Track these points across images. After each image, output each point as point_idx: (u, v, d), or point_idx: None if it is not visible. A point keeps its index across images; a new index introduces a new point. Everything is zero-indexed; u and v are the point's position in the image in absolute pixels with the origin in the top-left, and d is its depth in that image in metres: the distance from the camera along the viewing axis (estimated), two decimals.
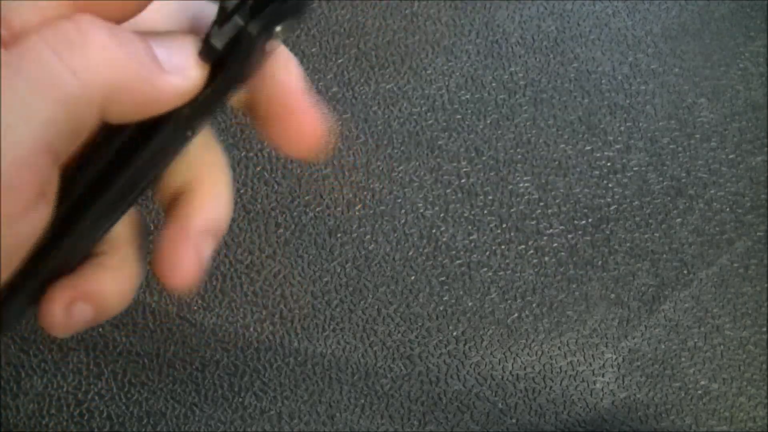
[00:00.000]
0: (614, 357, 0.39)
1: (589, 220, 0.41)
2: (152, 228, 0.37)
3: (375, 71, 0.43)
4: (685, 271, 0.40)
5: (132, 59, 0.18)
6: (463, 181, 0.41)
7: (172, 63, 0.19)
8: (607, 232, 0.41)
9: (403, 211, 0.40)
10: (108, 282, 0.21)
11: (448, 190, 0.41)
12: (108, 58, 0.18)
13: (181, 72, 0.19)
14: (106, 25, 0.18)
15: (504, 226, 0.40)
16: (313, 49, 0.42)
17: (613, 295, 0.40)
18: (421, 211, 0.40)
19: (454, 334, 0.38)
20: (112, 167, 0.19)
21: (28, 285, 0.19)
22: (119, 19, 0.19)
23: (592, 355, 0.39)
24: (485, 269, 0.40)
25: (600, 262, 0.40)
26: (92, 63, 0.17)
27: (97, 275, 0.21)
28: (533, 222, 0.41)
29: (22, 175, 0.17)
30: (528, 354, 0.38)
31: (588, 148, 0.42)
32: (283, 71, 0.22)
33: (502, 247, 0.40)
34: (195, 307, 0.38)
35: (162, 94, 0.19)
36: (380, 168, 0.41)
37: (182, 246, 0.21)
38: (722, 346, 0.39)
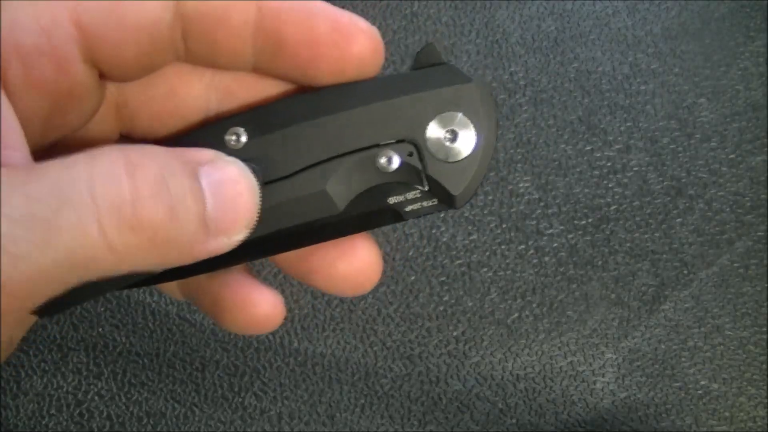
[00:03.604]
0: (614, 357, 0.39)
1: (589, 220, 0.41)
2: None
3: None
4: (685, 271, 0.40)
5: (179, 232, 0.16)
6: None
7: (219, 226, 0.17)
8: (607, 232, 0.41)
9: None
10: None
11: None
12: (152, 236, 0.15)
13: (225, 236, 0.17)
14: (160, 169, 0.16)
15: (504, 226, 0.40)
16: None
17: (613, 295, 0.40)
18: None
19: (454, 334, 0.38)
20: None
21: None
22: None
23: (592, 355, 0.39)
24: (485, 269, 0.40)
25: (600, 262, 0.40)
26: (131, 241, 0.15)
27: None
28: (533, 222, 0.41)
29: None
30: (528, 354, 0.38)
31: (588, 148, 0.42)
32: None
33: (502, 247, 0.40)
34: (195, 307, 0.38)
35: (192, 257, 0.17)
36: None
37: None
38: (722, 346, 0.39)
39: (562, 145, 0.42)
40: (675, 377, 0.39)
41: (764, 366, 0.39)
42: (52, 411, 0.35)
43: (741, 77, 0.45)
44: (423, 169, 0.20)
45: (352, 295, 0.22)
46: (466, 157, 0.20)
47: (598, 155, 0.42)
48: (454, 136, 0.20)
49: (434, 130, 0.20)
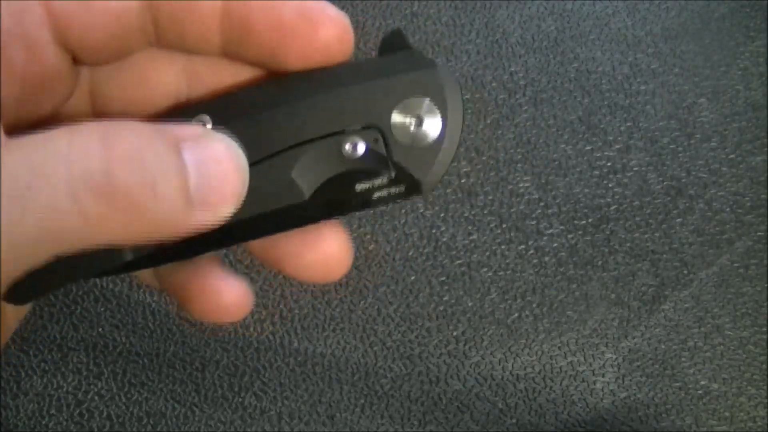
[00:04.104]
0: (614, 357, 0.39)
1: (589, 220, 0.41)
2: None
3: None
4: (685, 271, 0.40)
5: (157, 204, 0.16)
6: (463, 181, 0.41)
7: (204, 201, 0.17)
8: (607, 232, 0.41)
9: (403, 211, 0.40)
10: None
11: (448, 190, 0.41)
12: (126, 206, 0.15)
13: (210, 211, 0.17)
14: (137, 139, 0.16)
15: (504, 226, 0.40)
16: None
17: (613, 295, 0.40)
18: (421, 211, 0.40)
19: (454, 334, 0.38)
20: None
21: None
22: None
23: (592, 355, 0.39)
24: (485, 269, 0.40)
25: (600, 262, 0.40)
26: (105, 210, 0.15)
27: None
28: (533, 222, 0.41)
29: None
30: (528, 354, 0.38)
31: (588, 148, 0.42)
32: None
33: (502, 247, 0.40)
34: None
35: (175, 231, 0.17)
36: None
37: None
38: (722, 346, 0.39)
39: (562, 145, 0.42)
40: (675, 377, 0.39)
41: (764, 366, 0.39)
42: (52, 411, 0.35)
43: (741, 77, 0.45)
44: (388, 155, 0.19)
45: (322, 283, 0.22)
46: (431, 143, 0.19)
47: (598, 155, 0.42)
48: (419, 122, 0.19)
49: (399, 116, 0.19)
